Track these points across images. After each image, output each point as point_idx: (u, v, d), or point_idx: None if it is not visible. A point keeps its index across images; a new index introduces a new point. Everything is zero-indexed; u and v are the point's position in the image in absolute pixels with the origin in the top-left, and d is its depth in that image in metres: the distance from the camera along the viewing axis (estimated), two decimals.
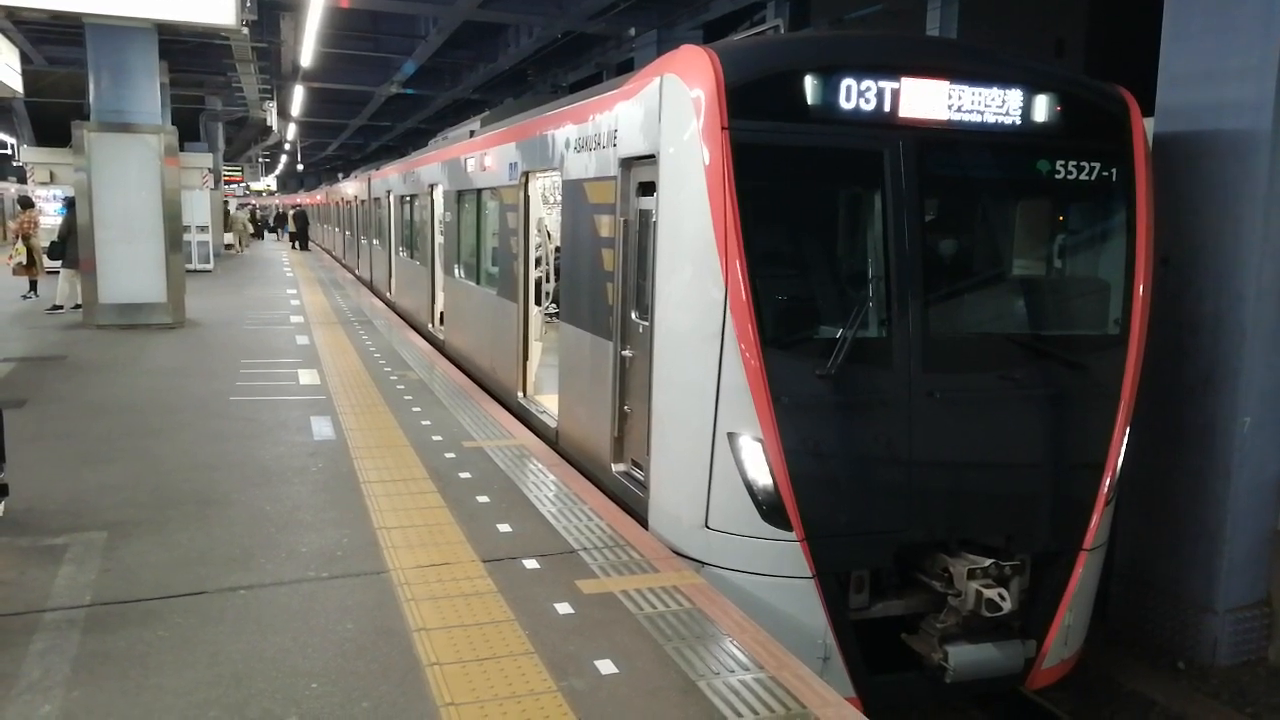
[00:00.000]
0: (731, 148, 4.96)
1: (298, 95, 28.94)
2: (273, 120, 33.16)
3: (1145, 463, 6.81)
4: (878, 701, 5.20)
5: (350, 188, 27.35)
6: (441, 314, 13.39)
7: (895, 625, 5.44)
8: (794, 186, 5.41)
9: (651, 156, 5.59)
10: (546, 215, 9.76)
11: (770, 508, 5.02)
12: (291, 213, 44.13)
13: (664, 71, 5.47)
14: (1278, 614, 6.79)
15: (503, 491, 6.21)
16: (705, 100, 5.04)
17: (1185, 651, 6.76)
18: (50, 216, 20.44)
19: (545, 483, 6.45)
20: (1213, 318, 6.54)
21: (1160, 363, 6.56)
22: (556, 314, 8.11)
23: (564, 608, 4.44)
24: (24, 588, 4.52)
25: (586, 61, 23.29)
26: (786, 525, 5.01)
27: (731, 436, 5.06)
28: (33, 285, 16.93)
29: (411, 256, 15.77)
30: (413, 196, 15.38)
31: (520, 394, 8.88)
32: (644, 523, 5.73)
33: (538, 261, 9.03)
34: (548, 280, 9.28)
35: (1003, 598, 5.02)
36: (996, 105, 5.38)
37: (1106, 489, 5.60)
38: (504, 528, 5.51)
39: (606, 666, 3.88)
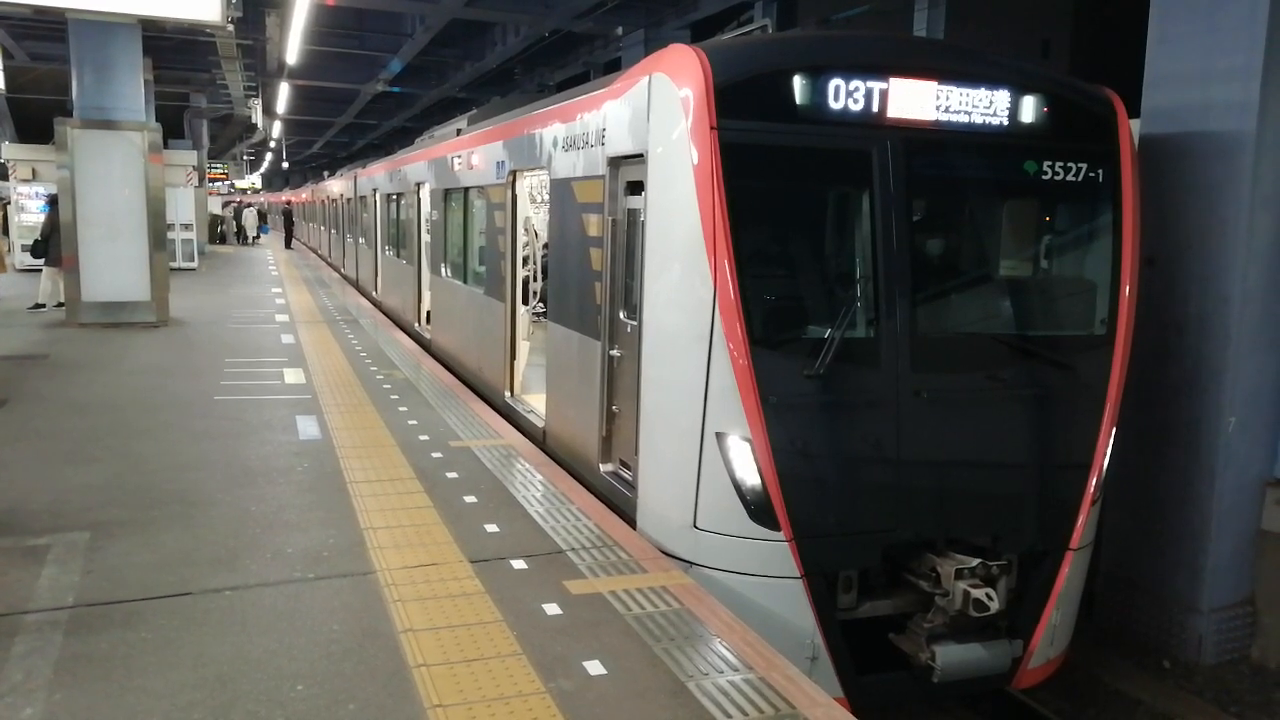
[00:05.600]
0: (720, 147, 4.96)
1: (283, 93, 28.82)
2: (258, 118, 33.01)
3: (1131, 463, 6.84)
4: (865, 701, 5.21)
5: (336, 186, 27.22)
6: (428, 313, 13.34)
7: (883, 625, 5.45)
8: (782, 186, 5.41)
9: (640, 156, 5.58)
10: (534, 214, 9.74)
11: (758, 508, 5.02)
12: (283, 210, 43.67)
13: (652, 71, 5.45)
14: (1262, 613, 6.84)
15: (490, 491, 6.18)
16: (694, 100, 5.03)
17: (1170, 650, 6.80)
18: (33, 214, 20.21)
19: (533, 483, 6.43)
20: (1198, 318, 6.58)
21: (1146, 363, 6.59)
22: (544, 313, 8.08)
23: (552, 608, 4.42)
24: (6, 589, 4.46)
25: (574, 60, 23.30)
26: (775, 525, 5.01)
27: (720, 436, 5.05)
28: None
29: (398, 255, 15.71)
30: (399, 195, 15.32)
31: (507, 393, 8.85)
32: (632, 523, 5.72)
33: (525, 260, 9.02)
34: (535, 279, 9.25)
35: (990, 597, 5.03)
36: (984, 106, 5.39)
37: (1093, 489, 5.62)
38: (491, 528, 5.49)
39: (595, 667, 3.86)
